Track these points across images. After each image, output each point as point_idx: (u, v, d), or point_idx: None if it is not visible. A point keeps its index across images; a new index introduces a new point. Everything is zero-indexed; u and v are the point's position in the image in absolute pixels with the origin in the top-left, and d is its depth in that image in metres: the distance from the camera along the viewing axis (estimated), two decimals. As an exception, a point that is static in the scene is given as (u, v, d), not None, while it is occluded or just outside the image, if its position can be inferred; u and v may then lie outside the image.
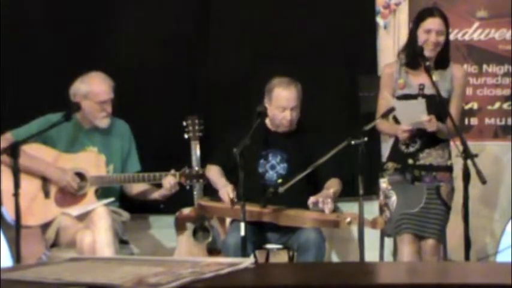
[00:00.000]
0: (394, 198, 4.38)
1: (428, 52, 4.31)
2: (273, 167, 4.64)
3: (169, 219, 4.94)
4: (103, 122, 4.71)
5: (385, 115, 4.25)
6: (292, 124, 4.64)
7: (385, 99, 4.39)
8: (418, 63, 4.34)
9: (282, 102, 4.57)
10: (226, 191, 4.44)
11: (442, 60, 4.38)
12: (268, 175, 4.63)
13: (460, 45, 5.24)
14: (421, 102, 4.24)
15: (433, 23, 4.33)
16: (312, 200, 4.33)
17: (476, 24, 5.23)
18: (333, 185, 4.53)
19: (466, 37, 5.24)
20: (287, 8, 5.22)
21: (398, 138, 4.40)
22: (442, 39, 4.34)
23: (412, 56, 4.37)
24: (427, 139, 4.34)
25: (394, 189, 4.39)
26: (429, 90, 4.34)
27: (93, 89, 4.66)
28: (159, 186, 4.76)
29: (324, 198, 4.31)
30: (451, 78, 4.40)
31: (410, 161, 4.38)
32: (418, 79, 4.39)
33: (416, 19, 4.42)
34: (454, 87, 4.40)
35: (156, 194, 4.78)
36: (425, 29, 4.33)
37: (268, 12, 5.23)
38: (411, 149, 4.38)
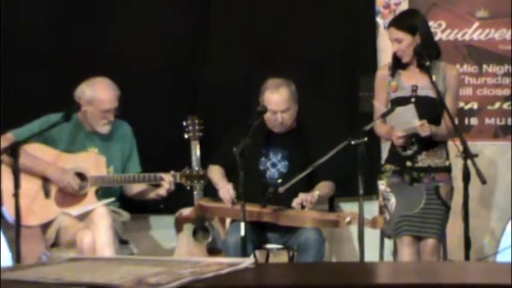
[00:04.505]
0: (393, 201, 4.38)
1: (401, 59, 4.37)
2: (274, 164, 4.64)
3: (169, 220, 4.94)
4: (104, 129, 4.70)
5: (383, 116, 4.25)
6: (285, 126, 4.63)
7: (378, 109, 4.41)
8: (402, 64, 4.38)
9: (271, 106, 4.56)
10: (227, 189, 4.44)
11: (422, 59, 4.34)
12: (270, 173, 4.63)
13: (460, 45, 5.24)
14: (410, 108, 4.22)
15: (390, 33, 4.40)
16: (295, 203, 4.38)
17: (476, 24, 5.23)
18: (321, 188, 4.54)
19: (466, 37, 5.24)
20: (287, 8, 5.22)
21: (395, 141, 4.41)
22: (404, 44, 4.34)
23: (395, 58, 4.43)
24: (424, 141, 4.33)
25: (393, 191, 4.39)
26: (422, 92, 4.33)
27: (99, 96, 4.63)
28: (157, 186, 4.75)
29: (305, 201, 4.35)
30: (444, 79, 4.39)
31: (408, 163, 4.37)
32: (411, 80, 4.38)
33: None
34: (448, 87, 4.39)
35: (153, 194, 4.78)
36: (389, 39, 4.45)
37: (267, 12, 5.23)
38: (409, 152, 4.37)
